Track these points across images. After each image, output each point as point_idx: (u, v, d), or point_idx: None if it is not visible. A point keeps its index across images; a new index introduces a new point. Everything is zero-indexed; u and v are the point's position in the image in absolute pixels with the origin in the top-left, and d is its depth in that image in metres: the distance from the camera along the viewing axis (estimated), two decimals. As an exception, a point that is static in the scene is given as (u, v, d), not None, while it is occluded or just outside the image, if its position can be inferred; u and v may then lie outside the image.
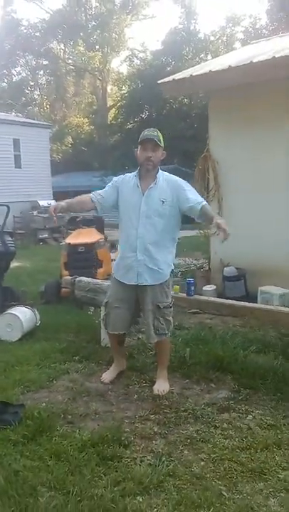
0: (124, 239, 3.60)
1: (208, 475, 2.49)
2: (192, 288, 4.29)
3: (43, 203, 17.35)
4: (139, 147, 3.53)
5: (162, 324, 3.56)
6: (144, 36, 61.35)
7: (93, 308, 5.39)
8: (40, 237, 15.56)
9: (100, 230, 7.44)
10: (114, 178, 3.73)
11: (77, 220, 8.00)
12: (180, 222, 3.58)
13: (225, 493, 2.34)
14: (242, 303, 4.27)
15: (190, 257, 9.03)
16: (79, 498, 2.27)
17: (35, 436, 2.85)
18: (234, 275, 6.35)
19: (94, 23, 32.82)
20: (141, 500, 2.29)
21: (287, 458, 2.65)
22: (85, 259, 6.62)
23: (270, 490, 2.38)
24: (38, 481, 2.41)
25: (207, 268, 7.14)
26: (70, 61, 34.49)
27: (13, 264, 6.81)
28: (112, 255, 6.90)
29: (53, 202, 18.21)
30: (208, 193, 6.80)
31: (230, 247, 6.52)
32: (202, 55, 27.71)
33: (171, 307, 3.66)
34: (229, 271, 6.38)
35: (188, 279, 4.53)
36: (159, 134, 3.53)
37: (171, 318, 3.66)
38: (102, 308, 3.90)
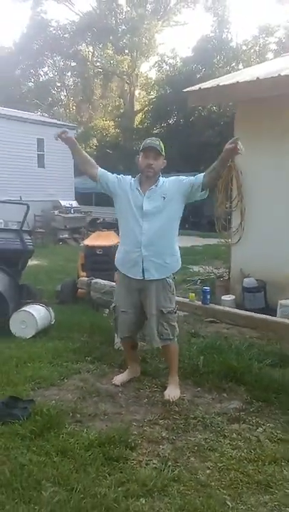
0: (127, 234, 3.61)
1: (213, 483, 2.48)
2: (208, 296, 4.27)
3: (64, 203, 17.49)
4: (141, 154, 3.59)
5: (166, 329, 3.59)
6: (175, 42, 61.51)
7: (108, 310, 5.40)
8: (60, 236, 15.66)
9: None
10: (115, 174, 3.78)
11: (98, 222, 8.05)
12: (181, 213, 3.64)
13: (229, 503, 2.32)
14: (258, 315, 4.23)
15: (210, 266, 9.00)
16: (82, 496, 2.28)
17: (42, 432, 2.87)
18: (254, 286, 6.28)
19: (124, 27, 32.80)
20: (144, 502, 2.29)
21: (295, 473, 2.61)
22: (102, 262, 6.63)
23: (276, 503, 2.35)
24: (42, 475, 2.44)
25: (227, 277, 7.10)
26: (98, 64, 34.54)
27: (32, 262, 6.89)
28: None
29: (74, 202, 18.41)
30: (231, 203, 6.79)
31: (251, 258, 6.53)
32: (233, 64, 27.50)
33: (175, 313, 3.70)
34: (249, 282, 6.32)
35: (205, 287, 4.52)
36: (161, 143, 3.61)
37: (175, 324, 3.69)
38: (112, 312, 3.92)
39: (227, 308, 4.25)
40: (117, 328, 3.81)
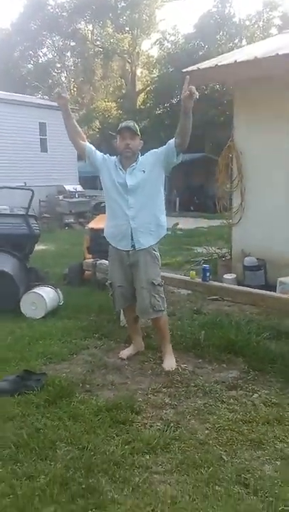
0: (115, 210, 3.82)
1: (210, 441, 2.73)
2: (207, 274, 4.47)
3: (68, 187, 17.61)
4: (118, 137, 3.81)
5: (158, 301, 3.81)
6: (176, 19, 60.20)
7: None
8: (66, 221, 15.86)
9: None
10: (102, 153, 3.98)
11: (102, 205, 8.22)
12: (163, 182, 3.85)
13: (225, 457, 2.58)
14: (255, 290, 4.44)
15: (214, 246, 9.20)
16: (92, 453, 2.55)
17: (55, 400, 3.14)
18: (254, 265, 6.48)
19: (123, 3, 31.94)
20: (148, 457, 2.55)
21: (286, 432, 2.85)
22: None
23: (267, 458, 2.60)
24: (57, 437, 2.71)
25: (229, 257, 7.29)
26: (98, 43, 33.78)
27: (39, 247, 7.11)
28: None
29: (79, 187, 18.54)
30: (231, 183, 6.92)
31: (251, 237, 6.69)
32: (236, 41, 27.11)
33: (162, 285, 3.92)
34: (249, 260, 6.52)
35: (204, 265, 4.73)
36: (136, 125, 3.85)
37: (164, 296, 3.91)
38: (108, 289, 4.13)
39: (225, 285, 4.47)
40: (114, 303, 4.07)
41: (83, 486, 2.28)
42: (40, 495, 2.23)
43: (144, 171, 3.73)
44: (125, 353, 4.06)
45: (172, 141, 3.67)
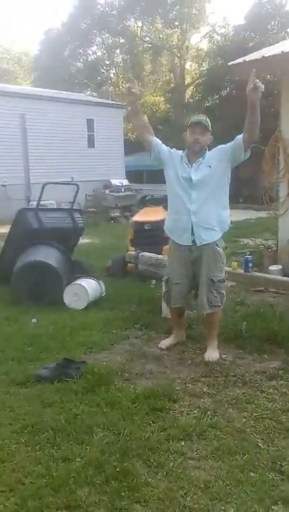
0: (176, 203, 3.81)
1: (247, 429, 2.71)
2: (249, 265, 4.41)
3: (115, 181, 17.79)
4: (188, 130, 3.77)
5: (216, 297, 3.80)
6: (226, 11, 59.35)
7: (155, 281, 5.66)
8: (112, 215, 16.01)
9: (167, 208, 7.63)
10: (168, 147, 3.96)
11: (146, 198, 8.27)
12: (230, 179, 3.81)
13: (261, 445, 2.55)
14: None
15: (260, 238, 9.04)
16: (128, 438, 2.58)
17: (94, 388, 3.19)
18: (301, 255, 6.34)
19: (173, -1, 32.13)
20: (183, 444, 2.56)
21: None
22: (150, 236, 6.86)
23: (305, 446, 2.54)
24: (93, 423, 2.75)
25: (275, 248, 7.16)
26: (147, 39, 33.91)
27: (84, 240, 7.25)
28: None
29: (125, 181, 18.69)
30: (278, 174, 6.78)
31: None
32: (289, 29, 26.39)
33: (224, 281, 3.90)
34: (296, 251, 6.38)
35: (247, 256, 4.66)
36: (208, 119, 3.77)
37: (224, 292, 3.90)
38: (163, 284, 4.14)
39: (267, 275, 4.38)
40: (170, 298, 4.03)
41: (118, 470, 2.31)
42: (75, 477, 2.28)
43: (210, 167, 3.71)
44: (165, 343, 4.07)
45: (240, 136, 3.63)
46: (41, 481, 2.26)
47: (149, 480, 2.26)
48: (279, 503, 2.12)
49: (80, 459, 2.42)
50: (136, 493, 2.17)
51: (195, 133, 3.72)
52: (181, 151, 3.86)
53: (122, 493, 2.16)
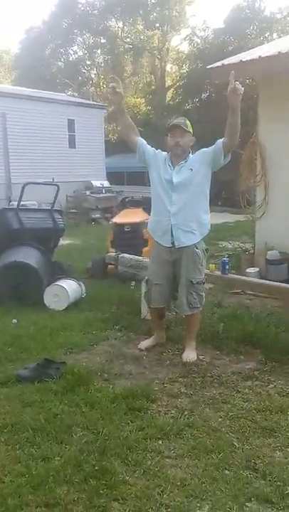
0: (158, 205, 3.87)
1: (223, 429, 2.78)
2: (226, 267, 4.50)
3: (96, 183, 17.79)
4: (169, 134, 3.82)
5: (195, 298, 3.85)
6: (207, 14, 59.62)
7: (134, 282, 5.72)
8: (93, 216, 16.03)
9: (148, 210, 7.70)
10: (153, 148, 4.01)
11: (126, 200, 8.32)
12: (209, 182, 3.85)
13: (236, 444, 2.62)
14: (273, 283, 4.45)
15: (238, 241, 9.19)
16: (107, 438, 2.63)
17: (73, 388, 3.23)
18: (277, 259, 6.46)
19: (154, 0, 32.27)
20: (160, 443, 2.62)
21: (300, 421, 2.88)
22: (130, 238, 6.93)
23: (278, 445, 2.63)
24: (73, 422, 2.80)
25: (252, 251, 7.28)
26: (128, 40, 33.99)
27: (65, 241, 7.27)
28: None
29: (106, 182, 18.71)
30: (255, 178, 6.91)
31: (275, 232, 6.66)
32: (267, 34, 26.65)
33: (203, 283, 3.96)
34: (272, 254, 6.51)
35: (224, 258, 4.75)
36: (188, 121, 3.83)
37: (203, 294, 3.96)
38: (144, 285, 4.20)
39: (244, 278, 4.48)
40: (150, 299, 4.08)
41: (96, 468, 2.36)
42: (55, 475, 2.32)
43: (191, 169, 3.75)
44: (144, 344, 4.13)
45: (220, 140, 3.67)
46: (21, 480, 2.29)
47: (127, 478, 2.32)
48: (253, 499, 2.20)
49: (59, 458, 2.46)
50: (114, 491, 2.22)
51: (175, 136, 3.76)
52: (166, 153, 3.91)
53: (101, 491, 2.21)
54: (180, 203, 3.74)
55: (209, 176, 3.84)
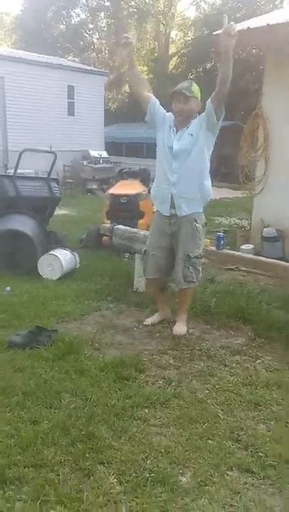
0: (159, 172, 3.82)
1: (209, 400, 2.86)
2: (221, 242, 4.51)
3: (93, 153, 17.57)
4: (173, 100, 3.71)
5: (191, 273, 3.83)
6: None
7: (128, 254, 5.74)
8: (89, 187, 15.91)
9: (145, 182, 7.67)
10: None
11: (124, 171, 8.25)
12: (212, 146, 3.74)
13: (221, 415, 2.70)
14: (267, 259, 4.47)
15: (235, 217, 9.19)
16: (95, 404, 2.71)
17: (64, 355, 3.29)
18: (272, 236, 6.47)
19: None
20: (147, 411, 2.70)
21: (284, 396, 2.95)
22: (126, 210, 6.89)
23: (262, 418, 2.71)
24: (62, 388, 2.86)
25: (248, 228, 7.28)
26: (132, 3, 33.01)
27: (60, 211, 7.24)
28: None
29: (104, 153, 18.50)
30: (256, 153, 6.81)
31: (272, 208, 6.63)
32: (277, 2, 26.02)
33: (201, 257, 3.94)
34: (268, 231, 6.51)
35: (219, 233, 4.76)
36: (194, 85, 3.70)
37: (200, 268, 3.94)
38: (137, 257, 4.19)
39: (238, 253, 4.49)
40: (145, 270, 4.10)
41: (83, 433, 2.43)
42: (43, 438, 2.39)
43: (191, 135, 3.66)
44: (149, 320, 4.09)
45: (209, 99, 3.55)
46: (10, 441, 2.36)
47: (113, 443, 2.39)
48: (234, 469, 2.28)
49: (47, 422, 2.53)
50: (99, 454, 2.30)
51: (179, 101, 3.65)
52: (173, 118, 3.79)
53: (87, 455, 2.28)
54: (181, 172, 3.67)
55: (211, 141, 3.72)
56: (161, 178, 3.79)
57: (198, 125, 3.67)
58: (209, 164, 3.81)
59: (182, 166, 3.67)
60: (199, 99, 3.72)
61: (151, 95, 3.83)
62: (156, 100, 3.82)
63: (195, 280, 3.91)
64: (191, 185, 3.71)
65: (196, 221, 3.79)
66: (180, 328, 3.91)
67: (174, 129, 3.73)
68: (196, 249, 3.85)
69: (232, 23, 3.25)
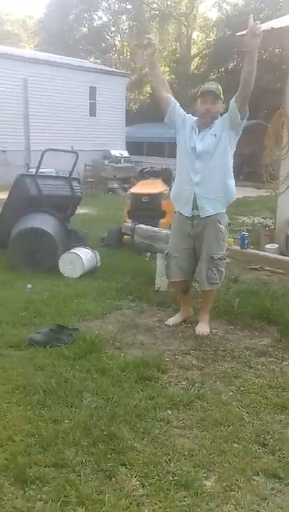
0: (181, 172, 3.75)
1: (234, 403, 2.77)
2: (246, 241, 4.41)
3: (114, 152, 17.60)
4: (199, 100, 3.68)
5: (215, 274, 3.76)
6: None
7: (150, 253, 5.68)
8: (110, 186, 15.93)
9: (166, 182, 7.61)
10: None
11: (145, 170, 8.21)
12: (234, 147, 3.68)
13: (246, 418, 2.61)
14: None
15: (258, 216, 9.07)
16: (116, 404, 2.65)
17: (85, 354, 3.24)
18: (298, 235, 6.36)
19: None
20: (170, 413, 2.62)
21: (312, 399, 2.85)
22: (148, 209, 6.85)
23: (289, 422, 2.61)
24: (83, 387, 2.82)
25: (272, 227, 7.16)
26: (154, 5, 33.10)
27: (81, 210, 7.23)
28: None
29: (125, 152, 18.52)
30: (280, 151, 6.71)
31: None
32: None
33: (224, 259, 3.86)
34: (293, 231, 6.39)
35: (243, 233, 4.66)
36: (220, 87, 3.66)
37: (223, 269, 3.86)
38: (159, 257, 4.12)
39: (263, 253, 4.39)
40: (168, 273, 4.02)
41: (105, 433, 2.37)
42: (64, 437, 2.34)
43: (215, 135, 3.61)
44: (171, 320, 4.02)
45: (233, 99, 3.52)
46: (31, 440, 2.32)
47: (135, 445, 2.33)
48: (260, 473, 2.19)
49: (68, 421, 2.48)
50: (121, 456, 2.23)
51: (206, 102, 3.61)
52: (195, 119, 3.75)
53: (108, 456, 2.23)
54: (204, 172, 3.62)
55: (234, 140, 3.67)
56: (184, 178, 3.73)
57: (221, 125, 3.62)
58: (232, 164, 3.74)
59: (205, 166, 3.61)
60: (222, 101, 3.69)
61: (171, 96, 3.78)
62: (176, 102, 3.77)
63: (218, 281, 3.85)
64: (215, 186, 3.64)
65: (219, 222, 3.72)
66: (203, 328, 3.83)
67: (196, 130, 3.67)
68: (220, 251, 3.78)
69: (257, 22, 3.24)
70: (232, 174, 3.75)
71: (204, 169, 3.62)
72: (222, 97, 3.65)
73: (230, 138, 3.63)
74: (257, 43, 3.27)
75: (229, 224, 3.94)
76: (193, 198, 3.66)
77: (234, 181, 3.78)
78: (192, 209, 3.70)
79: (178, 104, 3.77)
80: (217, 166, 3.62)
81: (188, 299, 4.20)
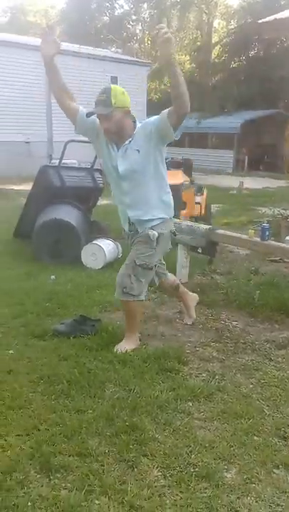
0: (114, 190, 3.33)
1: (254, 395, 2.79)
2: (266, 233, 4.38)
3: (136, 143, 17.54)
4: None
5: (132, 283, 3.22)
6: None
7: (171, 246, 5.67)
8: (132, 177, 15.87)
9: (188, 173, 7.58)
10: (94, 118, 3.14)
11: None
12: (163, 157, 3.18)
13: (266, 411, 2.63)
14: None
15: (278, 207, 8.97)
16: (138, 395, 2.69)
17: (107, 345, 3.30)
18: None
19: None
20: (190, 404, 2.66)
21: None
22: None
23: (311, 415, 2.62)
24: (106, 378, 2.87)
25: (293, 219, 7.10)
26: (176, -7, 32.97)
27: (103, 201, 7.26)
28: (198, 198, 7.07)
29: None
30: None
31: None
32: None
33: (150, 269, 3.30)
34: (315, 222, 6.34)
35: (264, 224, 4.63)
36: (113, 91, 3.03)
37: (143, 281, 3.28)
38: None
39: (283, 245, 4.36)
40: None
41: (127, 424, 2.42)
42: (87, 427, 2.39)
43: (138, 151, 3.06)
44: (188, 319, 3.89)
45: (166, 111, 2.94)
46: (55, 429, 2.38)
47: (157, 436, 2.37)
48: (281, 467, 2.21)
49: (91, 411, 2.54)
50: (143, 446, 2.28)
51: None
52: None
53: (131, 446, 2.28)
54: (134, 193, 3.16)
55: (162, 149, 3.13)
56: (117, 198, 3.30)
57: (147, 138, 3.06)
58: (166, 175, 3.27)
59: (134, 187, 3.14)
60: (126, 103, 3.10)
61: (79, 107, 3.18)
62: (84, 110, 3.14)
63: (135, 294, 3.29)
64: (149, 207, 3.17)
65: (152, 229, 3.23)
66: (119, 345, 3.31)
67: (114, 145, 3.14)
68: (147, 259, 3.26)
69: (162, 25, 2.69)
70: (167, 188, 3.28)
71: (133, 190, 3.15)
72: (119, 103, 3.02)
73: (159, 150, 3.12)
74: (168, 50, 2.67)
75: (174, 234, 3.55)
76: (129, 219, 3.26)
77: (170, 195, 3.33)
78: (129, 230, 3.33)
79: (85, 117, 3.12)
80: (148, 184, 3.13)
81: (183, 292, 3.92)
